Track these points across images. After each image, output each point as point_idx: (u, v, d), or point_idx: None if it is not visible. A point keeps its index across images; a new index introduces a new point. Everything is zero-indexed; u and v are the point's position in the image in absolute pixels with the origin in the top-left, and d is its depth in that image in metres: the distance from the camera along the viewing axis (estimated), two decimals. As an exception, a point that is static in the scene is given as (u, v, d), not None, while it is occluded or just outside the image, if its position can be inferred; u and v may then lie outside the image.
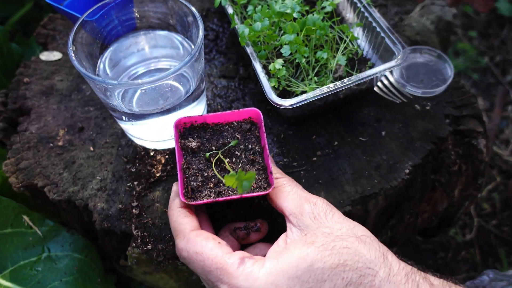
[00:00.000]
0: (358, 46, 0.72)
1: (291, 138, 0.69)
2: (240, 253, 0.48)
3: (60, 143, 0.70)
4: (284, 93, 0.66)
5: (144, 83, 0.54)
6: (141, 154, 0.68)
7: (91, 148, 0.70)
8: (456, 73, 0.77)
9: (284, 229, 0.52)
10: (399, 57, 0.65)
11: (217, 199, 0.51)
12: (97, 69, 0.63)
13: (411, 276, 0.46)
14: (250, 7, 0.70)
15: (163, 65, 0.68)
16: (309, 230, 0.48)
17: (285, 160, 0.67)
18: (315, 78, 0.66)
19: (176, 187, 0.55)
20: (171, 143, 0.67)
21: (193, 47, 0.62)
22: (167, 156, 0.68)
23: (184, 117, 0.57)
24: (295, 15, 0.65)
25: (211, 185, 0.53)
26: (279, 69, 0.63)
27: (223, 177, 0.53)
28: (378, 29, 0.69)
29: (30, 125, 0.73)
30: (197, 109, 0.65)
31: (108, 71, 0.65)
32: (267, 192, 0.51)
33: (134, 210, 0.63)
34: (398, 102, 0.73)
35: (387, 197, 0.64)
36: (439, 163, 0.72)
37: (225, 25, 0.83)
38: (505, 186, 1.37)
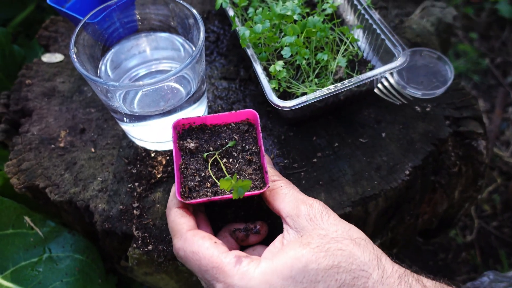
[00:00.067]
0: (359, 48, 0.73)
1: (292, 139, 0.69)
2: (236, 253, 0.48)
3: (62, 145, 0.71)
4: (284, 95, 0.67)
5: (145, 85, 0.54)
6: (142, 156, 0.68)
7: (93, 149, 0.70)
8: (457, 75, 0.78)
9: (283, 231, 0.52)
10: (399, 59, 0.65)
11: (212, 198, 0.52)
12: (98, 71, 0.64)
13: (404, 278, 0.46)
14: (250, 9, 0.70)
15: (164, 67, 0.69)
16: (305, 231, 0.49)
17: (285, 161, 0.67)
18: (316, 79, 0.67)
19: (175, 188, 0.55)
20: (172, 145, 0.67)
21: (194, 49, 0.62)
22: (168, 157, 0.68)
23: (183, 119, 0.57)
24: (295, 17, 0.65)
25: (208, 185, 0.54)
26: (279, 70, 0.63)
27: (219, 177, 0.54)
28: (378, 31, 0.69)
29: (32, 127, 0.73)
30: (198, 111, 0.66)
31: (109, 73, 0.65)
32: (262, 191, 0.52)
33: (135, 211, 0.63)
34: (398, 103, 0.73)
35: (387, 198, 0.65)
36: (439, 165, 0.72)
37: (226, 27, 0.84)
38: (506, 188, 1.37)
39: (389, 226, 0.73)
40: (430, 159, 0.68)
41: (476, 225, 1.30)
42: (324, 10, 0.70)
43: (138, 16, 0.66)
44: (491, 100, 1.56)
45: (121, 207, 0.64)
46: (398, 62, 0.65)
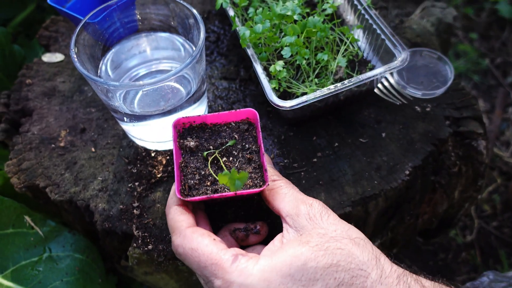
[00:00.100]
0: (359, 48, 0.73)
1: (292, 139, 0.69)
2: (235, 250, 0.49)
3: (62, 144, 0.71)
4: (284, 95, 0.67)
5: (146, 85, 0.55)
6: (142, 155, 0.69)
7: (93, 149, 0.70)
8: (457, 75, 0.78)
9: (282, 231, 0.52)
10: (399, 59, 0.65)
11: (211, 195, 0.52)
12: (99, 71, 0.64)
13: (403, 278, 0.47)
14: (251, 9, 0.71)
15: (165, 67, 0.69)
16: (304, 230, 0.49)
17: (285, 161, 0.67)
18: (316, 79, 0.67)
19: (175, 186, 0.55)
20: (172, 144, 0.68)
21: (194, 49, 0.62)
22: (168, 157, 0.68)
23: (183, 117, 0.58)
24: (295, 17, 0.65)
25: (208, 183, 0.54)
26: (279, 70, 0.63)
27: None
28: (378, 31, 0.69)
29: (32, 126, 0.73)
30: (198, 111, 0.66)
31: (110, 72, 0.65)
32: (261, 189, 0.52)
33: (135, 211, 0.64)
34: (398, 103, 0.73)
35: (388, 198, 0.65)
36: (439, 165, 0.72)
37: (226, 27, 0.84)
38: (506, 188, 1.37)
39: (389, 226, 0.73)
40: (430, 159, 0.68)
41: (476, 225, 1.30)
42: (324, 10, 0.70)
43: (138, 16, 0.66)
44: (491, 100, 1.56)
45: (121, 206, 0.64)
46: (398, 62, 0.65)
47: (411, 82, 0.75)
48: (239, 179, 0.50)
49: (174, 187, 0.55)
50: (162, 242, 0.61)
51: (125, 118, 0.62)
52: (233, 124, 0.59)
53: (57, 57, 0.82)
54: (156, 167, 0.67)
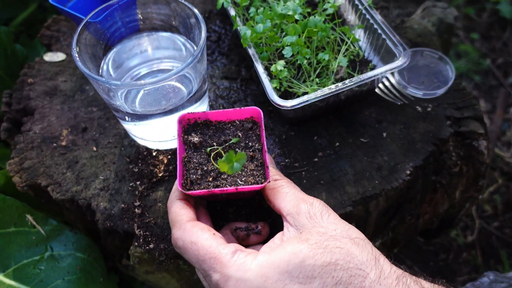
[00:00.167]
0: (360, 48, 0.73)
1: (293, 139, 0.69)
2: (234, 245, 0.49)
3: (64, 143, 0.71)
4: (285, 94, 0.67)
5: (147, 84, 0.55)
6: (144, 154, 0.69)
7: (94, 148, 0.70)
8: (458, 75, 0.78)
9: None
10: (400, 59, 0.65)
11: (213, 190, 0.52)
12: (100, 70, 0.64)
13: (402, 279, 0.47)
14: (252, 9, 0.71)
15: (166, 66, 0.69)
16: (304, 229, 0.49)
17: (286, 160, 0.67)
18: (317, 79, 0.67)
19: (177, 181, 0.55)
20: (173, 144, 0.68)
21: (195, 48, 0.62)
22: (169, 156, 0.68)
23: (188, 113, 0.58)
24: (297, 17, 0.65)
25: (210, 179, 0.55)
26: (280, 70, 0.63)
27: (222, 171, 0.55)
28: (379, 31, 0.69)
29: (34, 125, 0.73)
30: (199, 110, 0.66)
31: (111, 72, 0.66)
32: (262, 185, 0.53)
33: (136, 210, 0.64)
34: (399, 103, 0.73)
35: (388, 198, 0.65)
36: (440, 165, 0.72)
37: (227, 27, 0.84)
38: (507, 188, 1.37)
39: (390, 226, 0.73)
40: (431, 159, 0.68)
41: (477, 226, 1.30)
42: (325, 10, 0.70)
43: (140, 16, 0.66)
44: (492, 101, 1.56)
45: (122, 205, 0.64)
46: (399, 62, 0.65)
47: (412, 82, 0.75)
48: (237, 160, 0.51)
49: (177, 182, 0.55)
50: (163, 241, 0.61)
51: (126, 117, 0.62)
52: (237, 122, 0.59)
53: (59, 56, 0.82)
54: (158, 166, 0.67)
